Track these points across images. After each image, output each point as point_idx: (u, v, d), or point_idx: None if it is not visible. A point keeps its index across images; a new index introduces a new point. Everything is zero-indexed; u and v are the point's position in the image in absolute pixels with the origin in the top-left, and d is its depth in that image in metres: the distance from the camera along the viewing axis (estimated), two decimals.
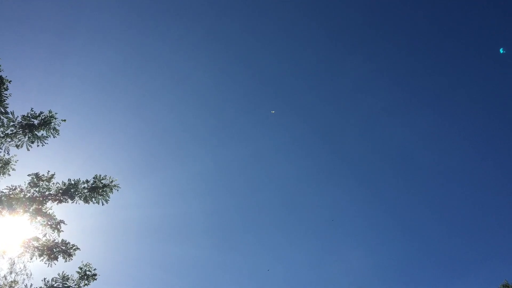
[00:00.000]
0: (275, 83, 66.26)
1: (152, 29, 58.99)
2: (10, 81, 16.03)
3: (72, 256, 17.60)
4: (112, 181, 17.14)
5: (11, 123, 16.34)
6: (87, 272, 17.56)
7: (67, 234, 17.67)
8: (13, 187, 16.55)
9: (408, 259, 55.60)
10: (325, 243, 58.02)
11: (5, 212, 16.31)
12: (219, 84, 63.83)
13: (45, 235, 17.25)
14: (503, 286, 25.18)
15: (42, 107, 16.61)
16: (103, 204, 17.13)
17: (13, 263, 16.71)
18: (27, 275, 16.83)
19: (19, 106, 16.41)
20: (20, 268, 16.86)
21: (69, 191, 16.76)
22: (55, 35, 51.98)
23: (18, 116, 16.35)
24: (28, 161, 17.80)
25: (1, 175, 16.78)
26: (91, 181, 16.98)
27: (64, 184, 16.84)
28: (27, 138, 16.59)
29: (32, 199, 16.64)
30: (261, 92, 65.43)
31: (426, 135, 64.48)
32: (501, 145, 60.61)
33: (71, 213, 17.97)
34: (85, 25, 53.68)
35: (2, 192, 16.35)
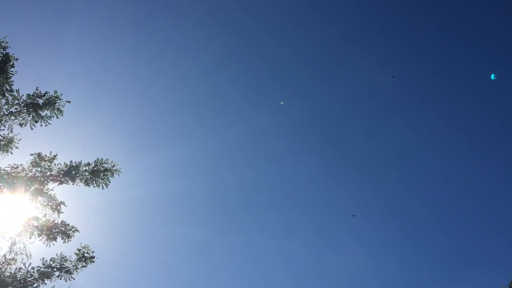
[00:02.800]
0: (281, 75, 65.78)
1: (152, 11, 58.43)
2: (16, 59, 15.97)
3: (71, 238, 17.60)
4: (113, 165, 17.04)
5: (16, 101, 16.30)
6: (85, 254, 17.53)
7: (66, 214, 17.67)
8: (15, 166, 16.53)
9: (409, 260, 55.20)
10: (325, 237, 57.82)
11: (6, 190, 16.33)
12: (225, 65, 63.45)
13: (45, 215, 17.26)
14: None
15: (40, 85, 16.52)
16: (103, 188, 17.06)
17: (14, 243, 16.75)
18: (26, 255, 16.86)
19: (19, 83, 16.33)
20: (19, 248, 16.90)
21: (70, 173, 16.69)
22: (54, 10, 51.69)
23: (23, 95, 16.32)
24: (30, 140, 17.77)
25: (4, 153, 16.75)
26: (93, 164, 16.89)
27: (66, 166, 16.78)
28: (31, 117, 16.54)
29: (33, 179, 16.61)
30: (265, 76, 64.90)
31: (431, 137, 63.67)
32: (503, 146, 59.54)
33: (71, 193, 17.95)
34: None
35: (4, 170, 16.35)
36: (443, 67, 63.67)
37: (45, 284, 16.71)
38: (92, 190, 17.58)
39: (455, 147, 61.65)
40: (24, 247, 17.39)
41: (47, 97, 16.52)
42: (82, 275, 17.48)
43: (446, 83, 63.95)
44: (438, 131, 63.13)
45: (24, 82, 16.92)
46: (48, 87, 16.62)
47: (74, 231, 17.61)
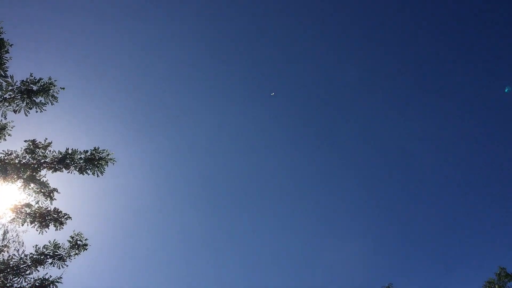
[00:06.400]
0: (276, 70, 66.03)
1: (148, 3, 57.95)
2: (11, 45, 15.76)
3: (63, 225, 17.59)
4: (108, 154, 17.07)
5: (10, 87, 16.12)
6: (78, 242, 17.57)
7: (59, 201, 17.62)
8: (9, 152, 16.40)
9: (405, 257, 56.34)
10: (321, 232, 58.59)
11: None
12: (216, 57, 63.34)
13: (37, 202, 17.20)
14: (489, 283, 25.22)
15: (36, 72, 16.39)
16: (98, 176, 17.10)
17: (7, 232, 16.68)
18: (19, 243, 16.82)
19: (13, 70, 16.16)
20: (12, 236, 16.85)
21: (65, 161, 16.65)
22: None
23: (17, 81, 16.14)
24: (25, 128, 17.61)
25: None
26: (89, 152, 16.88)
27: (61, 153, 16.72)
28: (25, 104, 16.39)
29: (26, 166, 16.51)
30: (259, 70, 65.04)
31: (426, 134, 64.92)
32: (501, 144, 61.00)
33: (64, 180, 17.89)
34: None
35: None
36: (441, 65, 64.72)
37: (38, 271, 16.71)
38: (85, 177, 17.58)
39: (453, 144, 62.84)
40: (17, 235, 17.34)
41: (41, 84, 16.38)
42: (75, 262, 17.56)
43: (444, 81, 65.08)
44: (435, 129, 64.32)
45: (18, 68, 16.73)
46: (42, 74, 16.49)
47: (67, 218, 17.60)
